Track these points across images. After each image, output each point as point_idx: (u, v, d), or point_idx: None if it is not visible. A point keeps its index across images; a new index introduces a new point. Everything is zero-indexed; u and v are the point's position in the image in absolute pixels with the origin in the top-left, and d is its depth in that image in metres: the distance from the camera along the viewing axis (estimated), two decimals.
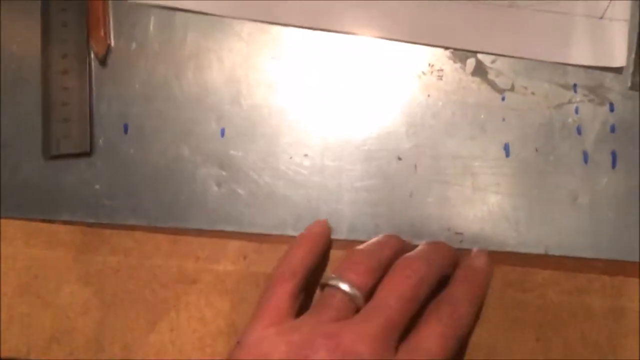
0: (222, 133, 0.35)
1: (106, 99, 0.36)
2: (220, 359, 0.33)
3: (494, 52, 0.35)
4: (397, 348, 0.27)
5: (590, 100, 0.35)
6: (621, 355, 0.32)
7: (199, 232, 0.34)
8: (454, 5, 0.35)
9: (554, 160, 0.34)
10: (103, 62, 0.36)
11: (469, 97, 0.35)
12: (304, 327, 0.27)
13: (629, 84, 0.35)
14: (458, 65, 0.36)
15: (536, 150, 0.34)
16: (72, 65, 0.36)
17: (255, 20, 0.36)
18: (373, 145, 0.35)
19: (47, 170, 0.35)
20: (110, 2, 0.37)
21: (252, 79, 0.36)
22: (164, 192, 0.35)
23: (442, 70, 0.36)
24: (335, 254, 0.34)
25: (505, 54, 0.35)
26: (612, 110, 0.35)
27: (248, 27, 0.36)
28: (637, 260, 0.33)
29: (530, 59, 0.35)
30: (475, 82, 0.35)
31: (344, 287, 0.28)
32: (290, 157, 0.35)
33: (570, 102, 0.35)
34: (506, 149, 0.35)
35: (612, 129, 0.34)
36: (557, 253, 0.33)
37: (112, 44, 0.36)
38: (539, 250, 0.34)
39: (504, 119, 0.35)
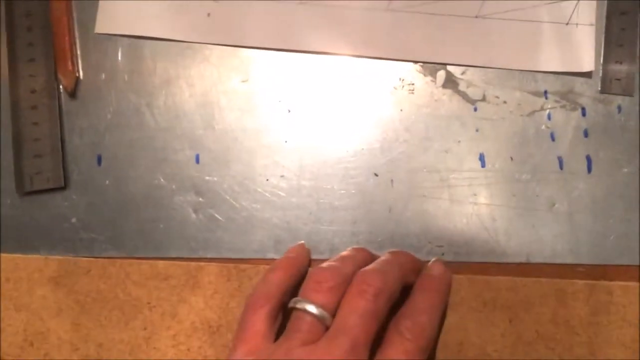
0: (197, 159, 0.35)
1: (78, 131, 0.36)
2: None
3: (463, 63, 0.35)
4: None
5: (562, 106, 0.35)
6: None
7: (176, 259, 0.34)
8: (421, 19, 0.35)
9: (529, 168, 0.34)
10: (72, 94, 0.36)
11: (441, 109, 0.35)
12: (277, 352, 0.27)
13: (599, 88, 0.35)
14: (429, 78, 0.36)
15: (511, 159, 0.34)
16: (41, 100, 0.35)
17: (224, 45, 0.36)
18: (349, 162, 0.35)
19: (22, 206, 0.35)
20: (76, 34, 0.37)
21: (223, 104, 0.36)
22: (141, 222, 0.35)
23: (413, 84, 0.36)
24: None
25: (474, 64, 0.35)
26: (584, 114, 0.35)
27: (217, 52, 0.36)
28: (618, 263, 0.33)
29: (500, 68, 0.35)
30: (446, 94, 0.35)
31: (310, 308, 0.28)
32: (267, 179, 0.35)
33: (542, 109, 0.35)
34: (481, 159, 0.35)
35: (586, 134, 0.35)
36: (538, 261, 0.33)
37: (81, 76, 0.36)
38: (521, 259, 0.33)
39: (477, 130, 0.35)
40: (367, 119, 0.35)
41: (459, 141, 0.35)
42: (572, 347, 0.32)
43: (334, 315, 0.28)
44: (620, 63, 0.35)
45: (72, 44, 0.36)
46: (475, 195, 0.34)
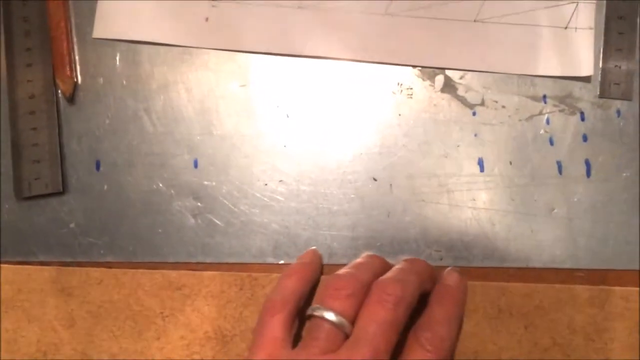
0: (195, 164, 0.35)
1: (76, 136, 0.36)
2: None
3: (461, 67, 0.35)
4: None
5: (560, 111, 0.35)
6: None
7: (175, 266, 0.34)
8: (420, 24, 0.35)
9: (528, 172, 0.34)
10: (71, 100, 0.36)
11: (439, 114, 0.35)
12: None
13: (598, 92, 0.35)
14: (427, 82, 0.36)
15: (510, 163, 0.34)
16: (39, 106, 0.35)
17: (222, 50, 0.36)
18: (348, 167, 0.35)
19: (21, 212, 0.35)
20: (74, 39, 0.36)
21: (222, 108, 0.36)
22: (140, 227, 0.35)
23: (411, 88, 0.35)
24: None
25: (473, 69, 0.35)
26: (582, 119, 0.35)
27: (215, 57, 0.36)
28: (617, 268, 0.33)
29: (499, 73, 0.35)
30: (445, 99, 0.35)
31: (329, 316, 0.28)
32: (266, 184, 0.35)
33: (541, 113, 0.35)
34: (480, 164, 0.35)
35: (585, 138, 0.34)
36: (537, 265, 0.33)
37: (79, 81, 0.36)
38: (520, 263, 0.33)
39: (476, 134, 0.35)
40: (366, 123, 0.35)
41: (458, 146, 0.35)
42: (588, 354, 0.31)
43: (352, 322, 0.28)
44: (619, 67, 0.35)
45: (70, 49, 0.36)
46: (474, 199, 0.34)
